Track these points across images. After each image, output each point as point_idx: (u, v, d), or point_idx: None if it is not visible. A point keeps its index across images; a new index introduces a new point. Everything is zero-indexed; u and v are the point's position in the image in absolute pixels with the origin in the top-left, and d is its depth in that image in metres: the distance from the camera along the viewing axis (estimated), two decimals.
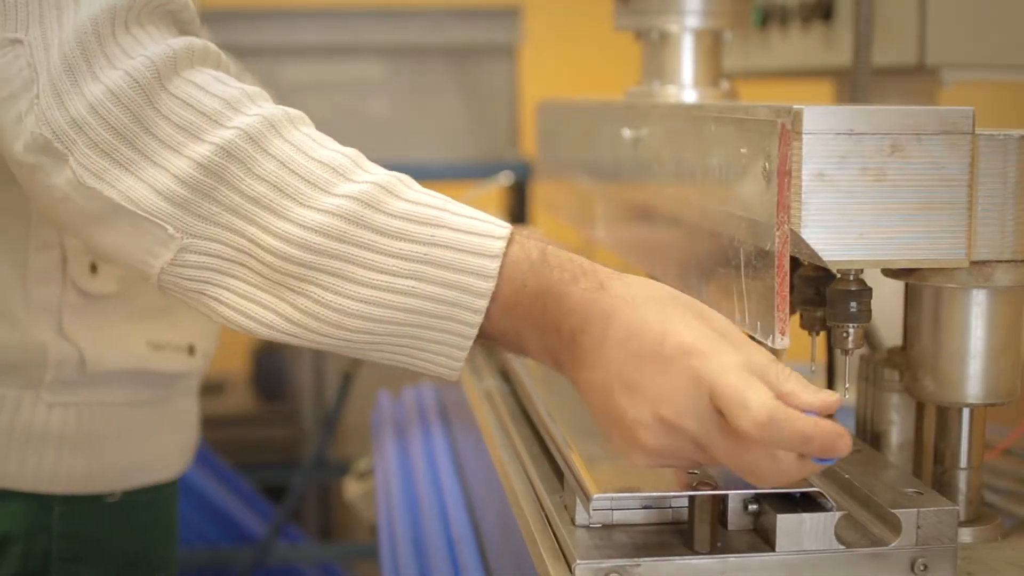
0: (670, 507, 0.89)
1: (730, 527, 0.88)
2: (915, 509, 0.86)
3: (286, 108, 0.90)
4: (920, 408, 1.02)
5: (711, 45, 1.31)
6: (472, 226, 0.86)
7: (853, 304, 0.94)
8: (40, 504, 1.14)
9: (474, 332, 0.85)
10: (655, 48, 1.31)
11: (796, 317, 1.06)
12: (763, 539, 0.86)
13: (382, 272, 0.84)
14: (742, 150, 0.92)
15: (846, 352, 0.96)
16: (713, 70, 1.31)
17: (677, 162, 1.10)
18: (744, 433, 0.77)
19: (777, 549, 0.84)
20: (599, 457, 0.93)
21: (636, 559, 0.83)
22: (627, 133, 1.24)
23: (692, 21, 1.28)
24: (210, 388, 3.36)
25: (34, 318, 1.11)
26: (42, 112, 0.87)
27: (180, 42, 0.89)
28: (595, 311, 0.84)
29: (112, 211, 0.86)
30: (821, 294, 1.01)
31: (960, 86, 1.46)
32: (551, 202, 1.74)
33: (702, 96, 1.30)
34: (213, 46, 0.92)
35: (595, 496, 0.86)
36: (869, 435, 1.04)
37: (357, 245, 0.84)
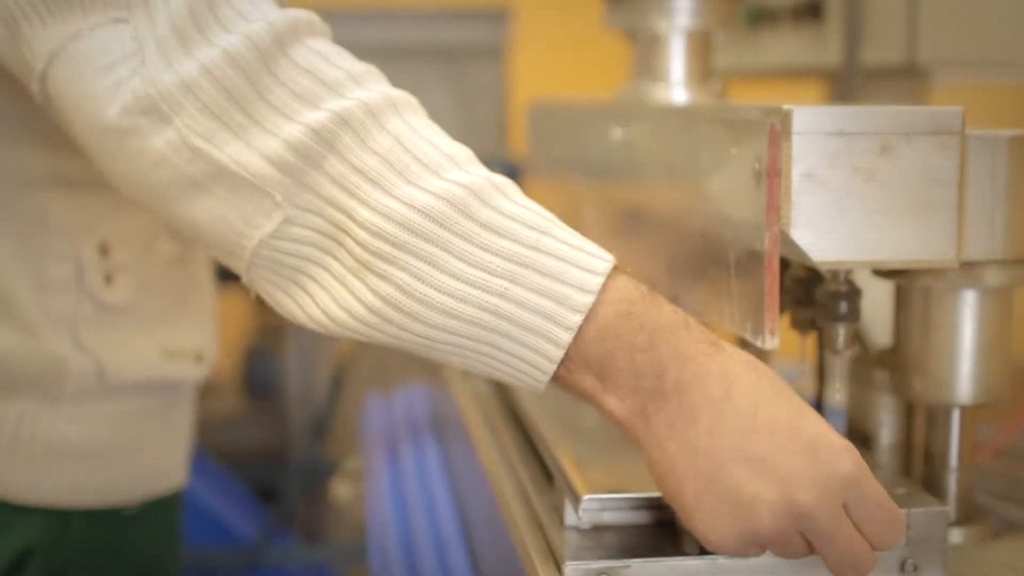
0: (660, 508, 0.89)
1: None
2: (905, 510, 0.86)
3: (407, 93, 0.87)
4: (910, 409, 1.02)
5: (701, 44, 1.30)
6: (579, 243, 0.82)
7: (843, 305, 0.94)
8: (59, 518, 1.13)
9: (561, 352, 0.79)
10: (645, 48, 1.31)
11: (786, 317, 1.06)
12: None
13: (477, 267, 0.79)
14: (732, 150, 0.92)
15: (836, 353, 0.96)
16: (703, 69, 1.31)
17: (667, 162, 1.09)
18: (895, 539, 0.79)
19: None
20: (588, 458, 0.93)
21: (626, 560, 0.83)
22: (617, 133, 1.24)
23: (682, 20, 1.28)
24: (198, 389, 3.35)
25: (51, 330, 1.09)
26: (149, 75, 0.84)
27: (302, 12, 0.87)
28: (713, 367, 0.79)
29: (215, 175, 0.83)
30: (811, 294, 1.01)
31: (951, 85, 1.46)
32: (542, 202, 1.74)
33: (692, 96, 1.30)
34: (322, 22, 0.90)
35: (585, 497, 0.86)
36: (859, 436, 1.04)
37: (457, 234, 0.79)
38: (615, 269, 0.81)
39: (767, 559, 0.84)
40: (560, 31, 3.65)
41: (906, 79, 1.52)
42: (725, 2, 1.29)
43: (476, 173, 0.83)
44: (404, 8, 2.73)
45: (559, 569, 0.84)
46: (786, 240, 0.86)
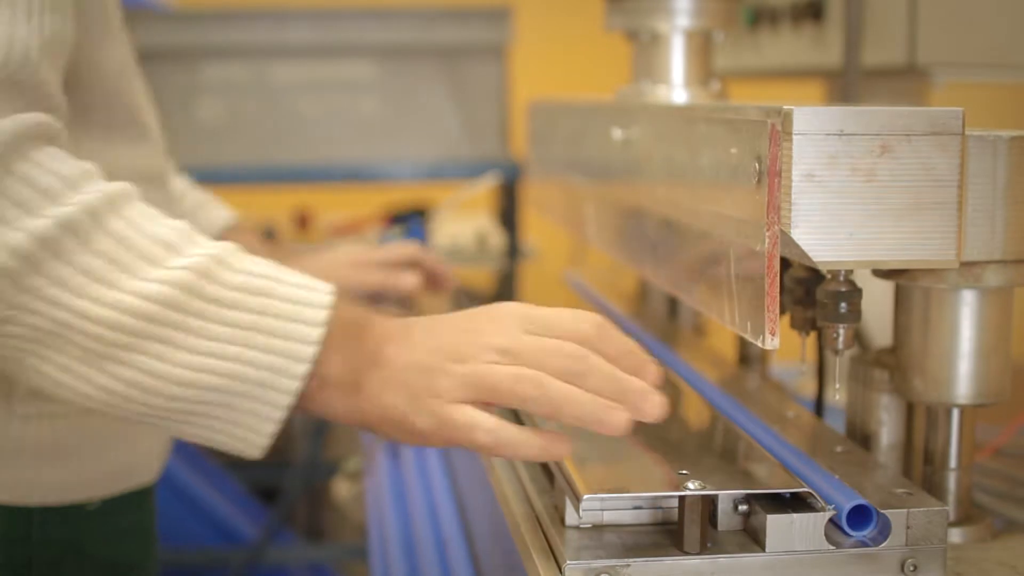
0: (660, 507, 0.89)
1: (720, 527, 0.88)
2: (905, 510, 0.86)
3: (122, 184, 0.92)
4: (910, 409, 1.02)
5: (701, 45, 1.31)
6: (300, 295, 0.89)
7: (843, 305, 0.94)
8: (18, 514, 1.13)
9: (290, 399, 0.88)
10: (645, 48, 1.31)
11: (786, 317, 1.06)
12: (752, 539, 0.86)
13: (212, 340, 0.86)
14: (732, 150, 0.92)
15: (836, 353, 0.96)
16: (703, 70, 1.31)
17: (667, 162, 1.09)
18: (648, 372, 0.87)
19: (767, 549, 0.84)
20: (589, 457, 0.93)
21: (626, 559, 0.83)
22: (617, 133, 1.24)
23: (682, 21, 1.28)
24: None
25: None
26: None
27: (28, 116, 0.91)
28: (391, 324, 0.92)
29: None
30: (811, 294, 1.01)
31: (951, 86, 1.46)
32: (542, 202, 1.74)
33: (692, 96, 1.30)
34: (53, 120, 0.94)
35: (585, 496, 0.86)
36: (859, 435, 1.04)
37: (190, 313, 0.86)
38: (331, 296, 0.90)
39: (764, 558, 0.84)
40: (560, 31, 3.65)
41: (907, 78, 1.52)
42: (725, 2, 1.29)
43: (194, 253, 0.89)
44: (404, 8, 2.72)
45: (559, 568, 0.84)
46: (786, 240, 0.86)
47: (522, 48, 2.85)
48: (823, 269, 0.91)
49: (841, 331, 0.95)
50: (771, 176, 0.85)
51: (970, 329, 0.94)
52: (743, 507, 0.88)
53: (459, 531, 1.26)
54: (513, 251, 2.71)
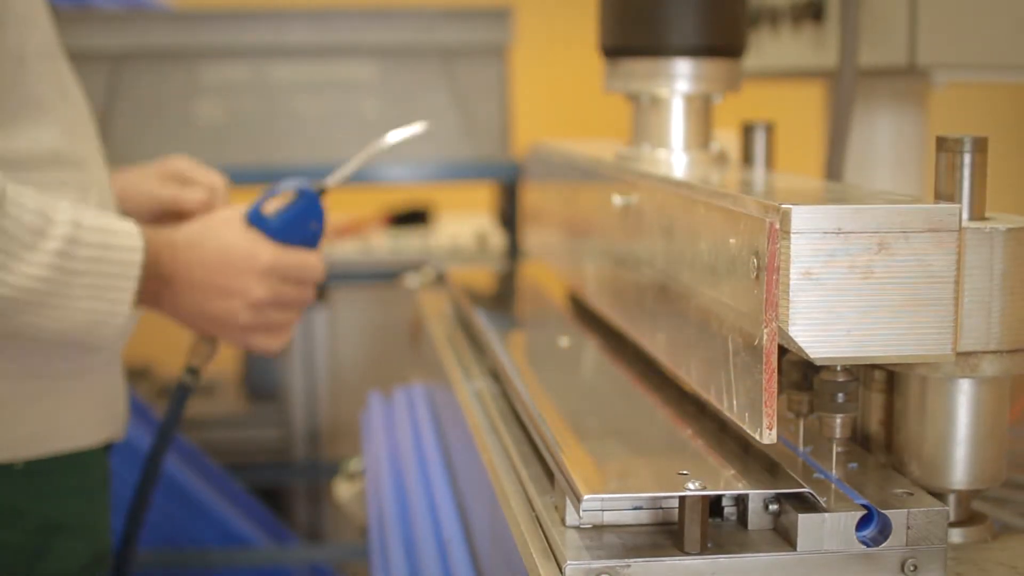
0: (660, 508, 0.89)
1: (750, 527, 0.89)
2: (905, 510, 0.86)
3: None
4: None
5: (701, 108, 1.30)
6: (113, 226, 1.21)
7: (840, 395, 0.94)
8: None
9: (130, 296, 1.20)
10: (645, 111, 1.31)
11: (783, 400, 1.04)
12: (784, 538, 0.87)
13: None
14: (731, 240, 0.91)
15: (832, 442, 0.96)
16: (703, 133, 1.31)
17: (667, 235, 1.08)
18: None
19: (799, 549, 0.85)
20: (589, 458, 0.93)
21: (626, 560, 0.83)
22: (617, 200, 1.22)
23: (682, 86, 1.28)
24: (200, 389, 3.34)
25: None
26: None
27: None
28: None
29: None
30: (808, 378, 1.00)
31: (951, 86, 1.46)
32: (541, 247, 1.74)
33: (693, 160, 1.29)
34: None
35: (585, 497, 0.86)
36: (860, 436, 1.04)
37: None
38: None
39: (764, 558, 0.84)
40: (560, 31, 3.65)
41: (906, 79, 1.52)
42: (725, 66, 1.29)
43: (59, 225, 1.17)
44: (404, 8, 2.72)
45: (560, 568, 0.84)
46: (784, 336, 0.85)
47: (522, 48, 2.85)
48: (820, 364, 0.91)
49: (838, 420, 0.95)
50: (769, 273, 0.84)
51: (966, 416, 0.94)
52: (773, 507, 0.88)
53: (460, 531, 1.26)
54: (513, 251, 2.71)
